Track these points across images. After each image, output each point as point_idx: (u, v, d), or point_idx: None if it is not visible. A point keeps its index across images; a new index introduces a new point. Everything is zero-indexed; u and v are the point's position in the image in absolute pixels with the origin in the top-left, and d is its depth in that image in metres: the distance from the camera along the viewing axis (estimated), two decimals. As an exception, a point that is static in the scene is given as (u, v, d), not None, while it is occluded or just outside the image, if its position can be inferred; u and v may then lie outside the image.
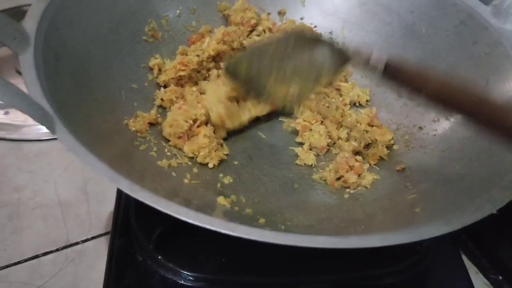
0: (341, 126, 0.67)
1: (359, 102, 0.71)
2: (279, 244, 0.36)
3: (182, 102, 0.63)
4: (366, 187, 0.59)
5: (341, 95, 0.71)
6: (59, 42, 0.51)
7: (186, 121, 0.59)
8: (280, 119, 0.68)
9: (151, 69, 0.66)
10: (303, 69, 0.52)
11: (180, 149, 0.60)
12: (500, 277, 0.62)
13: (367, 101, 0.71)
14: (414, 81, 0.47)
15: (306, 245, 0.37)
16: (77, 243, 0.62)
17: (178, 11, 0.71)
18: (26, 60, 0.44)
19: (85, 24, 0.56)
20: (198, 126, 0.60)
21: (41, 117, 0.40)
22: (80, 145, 0.40)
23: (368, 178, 0.60)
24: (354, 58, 0.50)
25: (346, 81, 0.74)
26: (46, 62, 0.46)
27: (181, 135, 0.59)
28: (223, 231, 0.37)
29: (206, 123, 0.62)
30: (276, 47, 0.52)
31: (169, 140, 0.60)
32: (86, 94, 0.52)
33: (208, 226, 0.37)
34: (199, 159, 0.58)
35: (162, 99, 0.64)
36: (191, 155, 0.59)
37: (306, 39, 0.52)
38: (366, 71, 0.51)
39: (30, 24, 0.47)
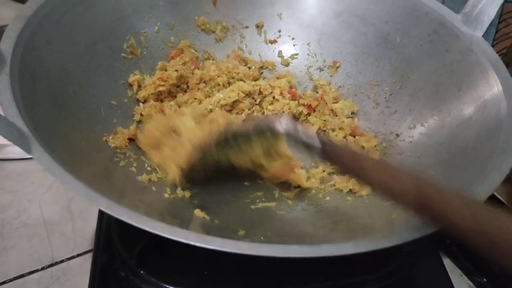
0: None
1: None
2: (253, 255, 0.37)
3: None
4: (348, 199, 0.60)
5: (336, 115, 0.71)
6: (36, 61, 0.51)
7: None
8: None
9: (131, 85, 0.67)
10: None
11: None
12: (484, 279, 0.62)
13: (352, 112, 0.71)
14: (348, 165, 0.45)
15: (280, 255, 0.37)
16: (62, 261, 0.61)
17: (156, 27, 0.72)
18: (2, 81, 0.45)
19: (63, 43, 0.56)
20: None
21: (17, 138, 0.40)
22: (57, 165, 0.40)
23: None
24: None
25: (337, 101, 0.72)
26: (23, 82, 0.47)
27: (154, 145, 0.59)
28: (198, 244, 0.37)
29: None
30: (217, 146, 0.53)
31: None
32: (64, 112, 0.53)
33: (183, 240, 0.37)
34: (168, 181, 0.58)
35: (141, 114, 0.65)
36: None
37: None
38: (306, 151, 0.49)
39: (6, 45, 0.48)
